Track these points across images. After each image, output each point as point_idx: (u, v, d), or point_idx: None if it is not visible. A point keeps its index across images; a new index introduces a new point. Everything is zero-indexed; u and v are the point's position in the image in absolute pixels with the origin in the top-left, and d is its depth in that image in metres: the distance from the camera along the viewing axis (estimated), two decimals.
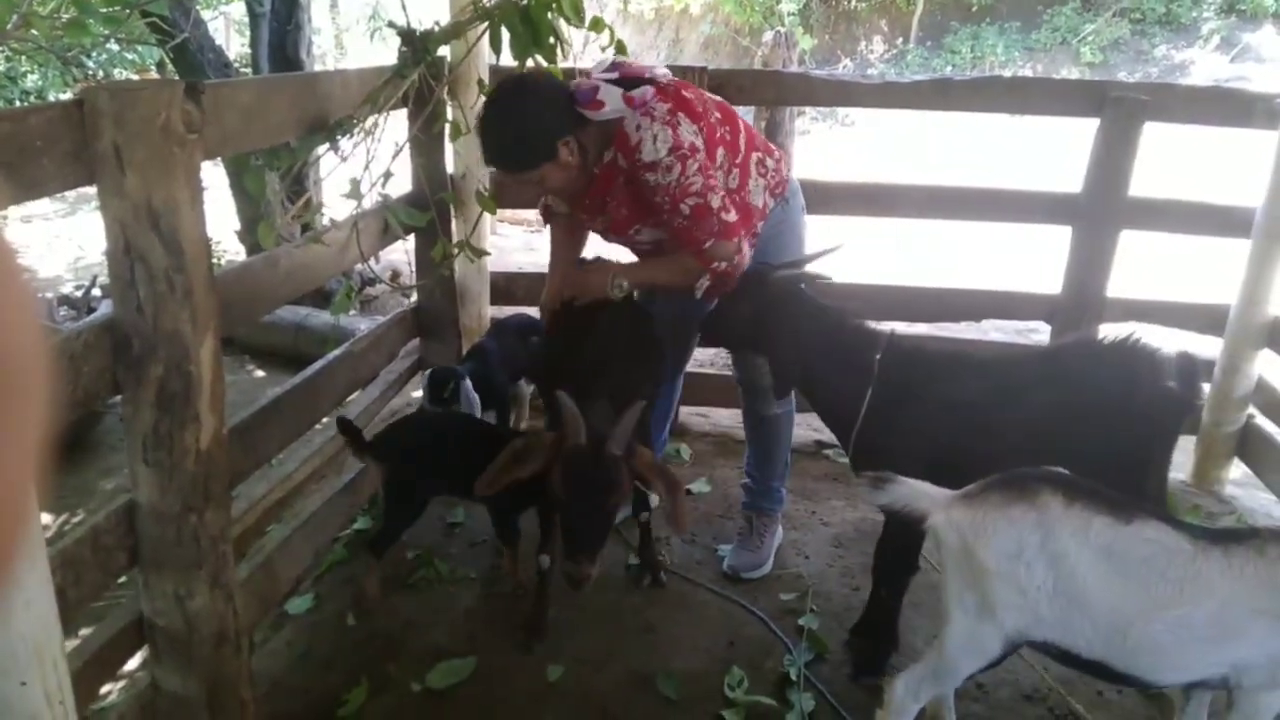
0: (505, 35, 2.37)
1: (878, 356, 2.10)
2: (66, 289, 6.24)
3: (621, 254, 2.50)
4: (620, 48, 2.42)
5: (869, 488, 1.75)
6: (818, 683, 2.21)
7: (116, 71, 8.20)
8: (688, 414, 3.57)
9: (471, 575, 2.60)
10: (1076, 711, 2.14)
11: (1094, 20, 12.58)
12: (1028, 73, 12.15)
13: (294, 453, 2.61)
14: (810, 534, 2.87)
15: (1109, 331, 2.06)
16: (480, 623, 2.42)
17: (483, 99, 2.79)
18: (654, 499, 2.45)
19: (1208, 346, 3.07)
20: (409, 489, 2.42)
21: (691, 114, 2.15)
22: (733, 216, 2.17)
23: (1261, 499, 3.16)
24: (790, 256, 2.35)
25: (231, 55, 8.05)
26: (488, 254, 3.13)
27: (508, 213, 6.81)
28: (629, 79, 2.18)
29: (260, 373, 5.45)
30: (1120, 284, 3.17)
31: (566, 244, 2.58)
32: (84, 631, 1.83)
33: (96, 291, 5.61)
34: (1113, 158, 3.01)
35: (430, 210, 2.63)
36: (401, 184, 2.70)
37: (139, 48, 7.23)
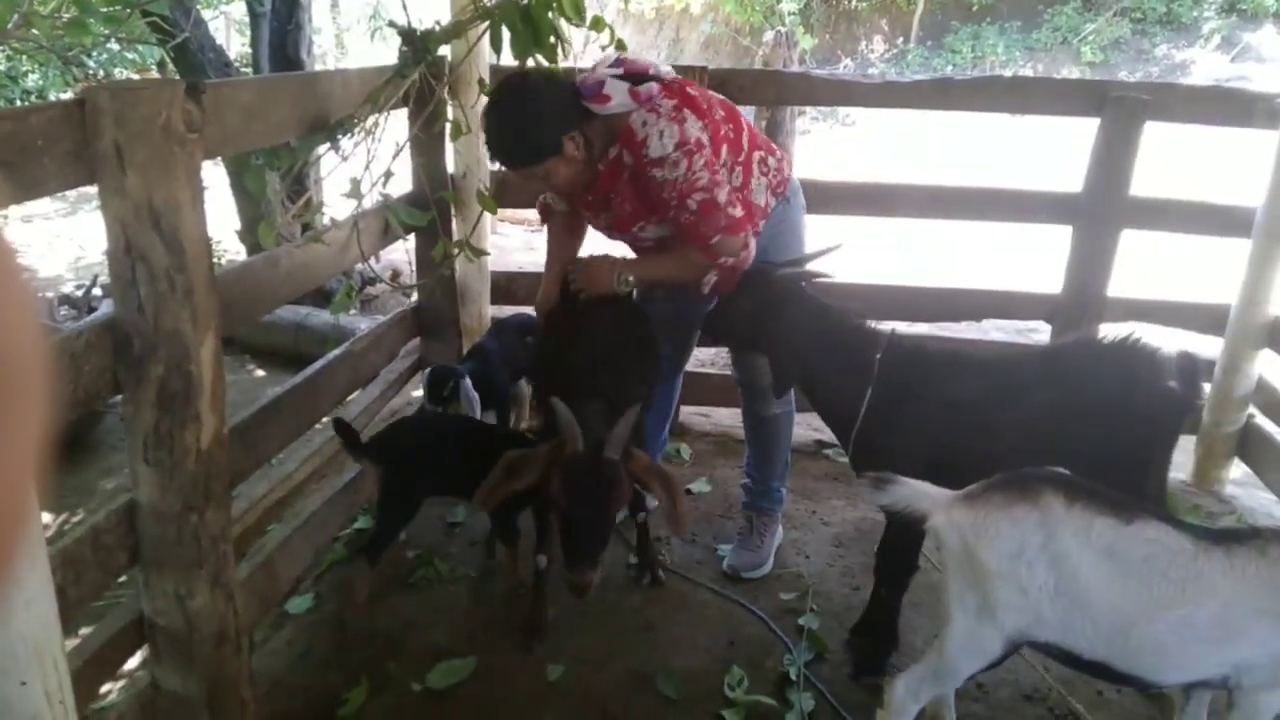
0: (506, 34, 2.37)
1: (878, 356, 2.10)
2: (67, 288, 6.24)
3: (623, 252, 2.49)
4: (620, 47, 2.42)
5: (870, 488, 1.75)
6: (818, 682, 2.21)
7: (117, 71, 8.20)
8: (688, 413, 3.57)
9: (472, 575, 2.60)
10: (1076, 711, 2.14)
11: (1095, 20, 12.58)
12: (1028, 72, 12.15)
13: (294, 452, 2.61)
14: (810, 533, 2.87)
15: (1109, 331, 2.06)
16: (480, 622, 2.42)
17: (484, 98, 2.79)
18: (651, 501, 2.44)
19: (1208, 346, 3.07)
20: (406, 491, 2.40)
21: (697, 111, 2.14)
22: (739, 212, 2.17)
23: (1262, 499, 3.16)
24: (791, 256, 2.35)
25: (232, 55, 8.05)
26: (487, 253, 3.13)
27: (508, 212, 6.82)
28: (633, 75, 2.17)
29: (261, 372, 5.45)
30: (1121, 284, 3.17)
31: (564, 243, 2.58)
32: (84, 631, 1.83)
33: (97, 291, 5.62)
34: (1113, 157, 3.01)
35: (431, 210, 2.63)
36: (402, 183, 2.70)
37: (140, 47, 7.23)
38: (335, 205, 2.51)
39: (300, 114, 2.15)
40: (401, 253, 3.10)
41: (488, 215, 2.84)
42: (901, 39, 13.70)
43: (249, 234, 5.59)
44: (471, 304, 3.32)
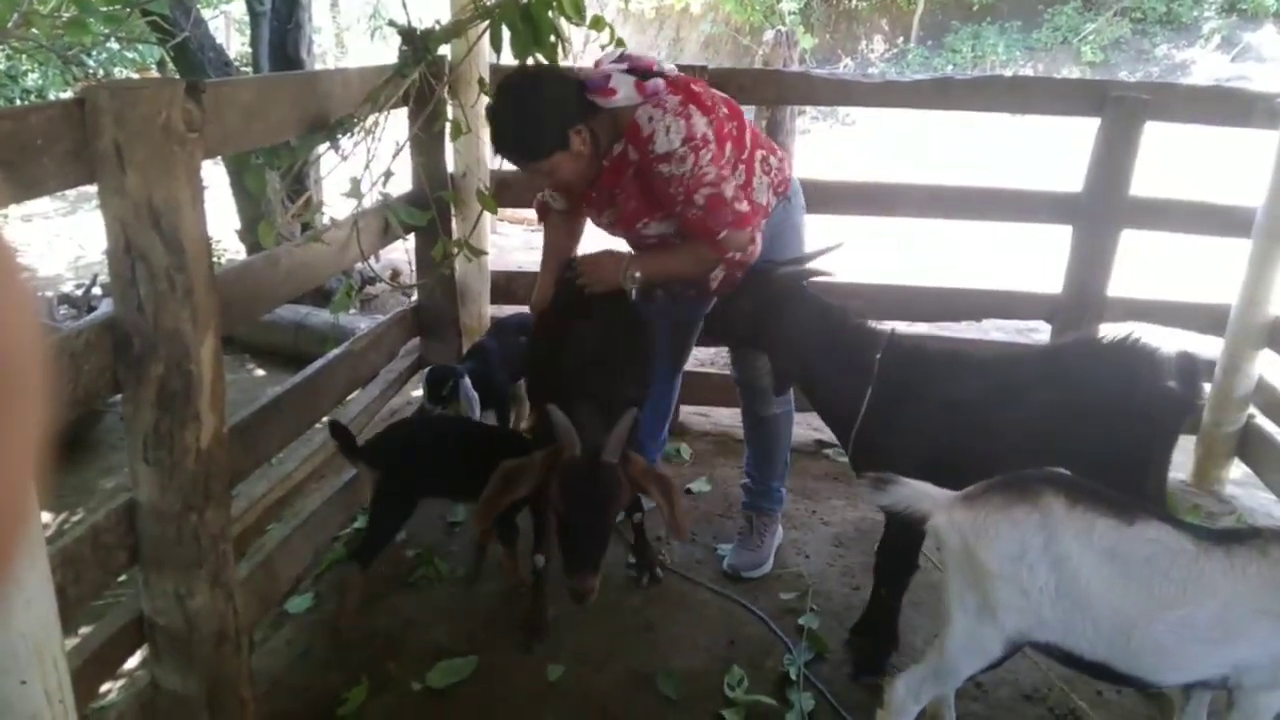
0: (506, 34, 2.37)
1: (878, 356, 2.10)
2: (67, 287, 6.24)
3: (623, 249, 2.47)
4: (620, 46, 2.42)
5: (871, 488, 1.75)
6: (818, 682, 2.21)
7: (117, 70, 8.20)
8: (688, 413, 3.57)
9: (472, 574, 2.60)
10: (1077, 710, 2.14)
11: (1095, 19, 12.58)
12: (1029, 72, 12.15)
13: (294, 451, 2.61)
14: (810, 533, 2.87)
15: (1109, 331, 2.06)
16: (480, 622, 2.41)
17: (484, 98, 2.79)
18: (648, 502, 2.44)
19: (1208, 346, 3.07)
20: (402, 494, 2.37)
21: (702, 107, 2.13)
22: (745, 206, 2.16)
23: (1261, 499, 3.16)
24: (791, 255, 2.35)
25: (232, 54, 8.05)
26: (487, 253, 3.14)
27: (508, 211, 6.81)
28: (638, 71, 2.16)
29: (260, 371, 5.45)
30: (1121, 284, 3.17)
31: (561, 242, 2.55)
32: (84, 630, 1.83)
33: (97, 290, 5.62)
34: (1113, 157, 3.01)
35: (430, 209, 2.63)
36: (402, 183, 2.70)
37: (139, 46, 7.23)
38: (335, 204, 2.51)
39: (300, 113, 2.15)
40: (401, 252, 3.10)
41: (487, 215, 2.84)
42: (902, 38, 13.70)
43: (249, 233, 5.60)
44: (471, 303, 3.32)
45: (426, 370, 2.87)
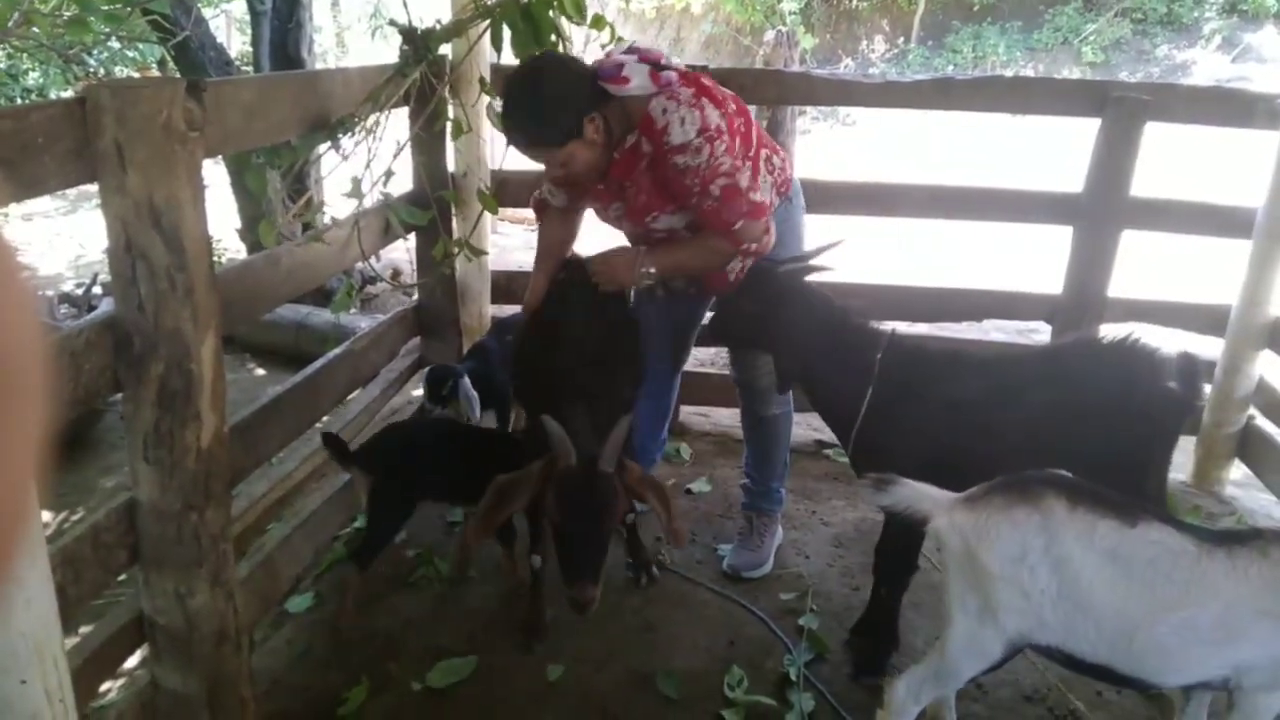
0: (506, 33, 2.37)
1: (878, 356, 2.10)
2: (67, 287, 6.24)
3: (621, 244, 2.45)
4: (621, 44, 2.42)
5: (872, 489, 1.74)
6: (818, 683, 2.21)
7: (118, 69, 8.20)
8: (688, 413, 3.57)
9: (472, 574, 2.60)
10: (1076, 711, 2.14)
11: (1096, 20, 12.58)
12: (1029, 72, 12.15)
13: (294, 451, 2.61)
14: (810, 534, 2.87)
15: (1109, 332, 2.06)
16: (480, 622, 2.41)
17: (484, 97, 2.80)
18: (641, 504, 2.43)
19: (1209, 347, 3.06)
20: (397, 498, 2.37)
21: (713, 100, 2.12)
22: (760, 197, 2.15)
23: (1262, 500, 3.16)
24: (791, 256, 2.35)
25: (233, 53, 8.05)
26: (487, 253, 3.14)
27: (508, 211, 6.81)
28: (649, 63, 2.16)
29: (261, 371, 5.45)
30: (1121, 284, 3.17)
31: (556, 240, 2.51)
32: (84, 629, 1.83)
33: (97, 289, 5.61)
34: (1114, 158, 3.01)
35: (431, 209, 2.63)
36: (403, 182, 2.70)
37: (140, 45, 7.23)
38: (336, 204, 2.51)
39: (301, 112, 2.15)
40: (402, 252, 3.11)
41: (488, 214, 2.84)
42: (902, 39, 13.70)
43: (249, 232, 5.59)
44: (471, 303, 3.32)
45: (426, 370, 2.87)
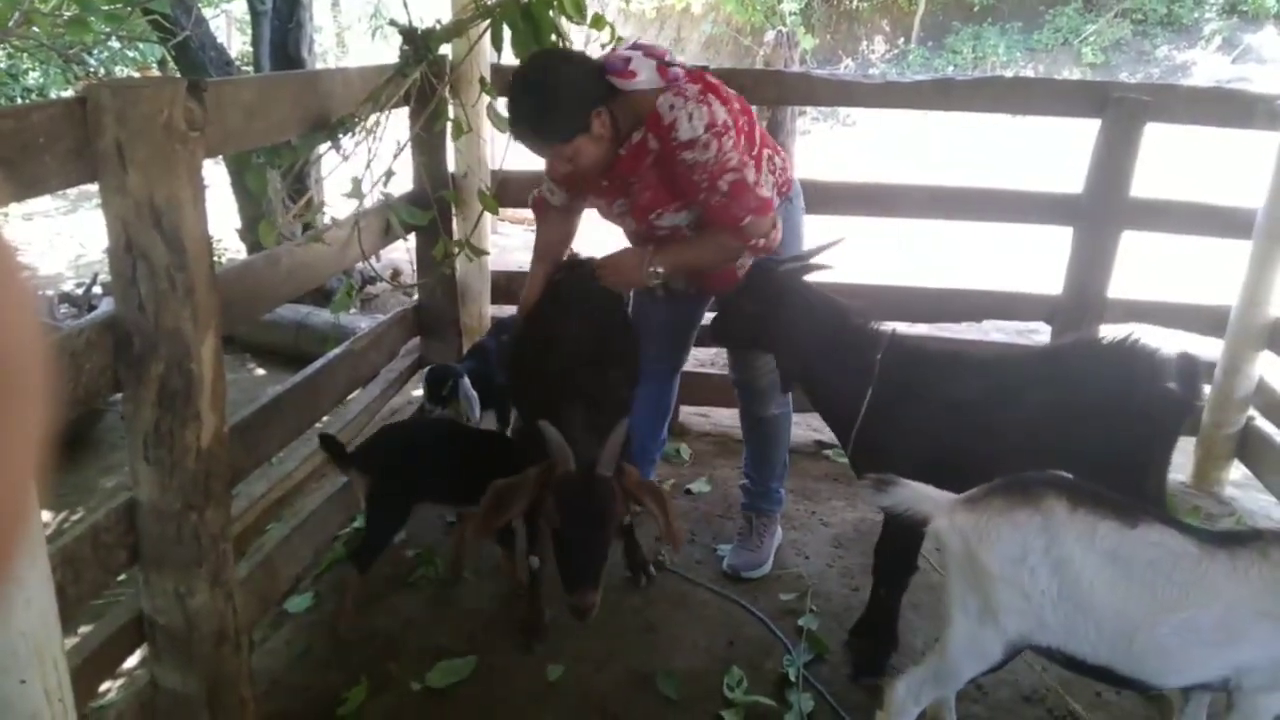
0: (507, 33, 2.37)
1: (879, 356, 2.10)
2: (67, 286, 6.24)
3: (620, 242, 2.45)
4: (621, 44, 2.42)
5: (872, 490, 1.74)
6: (817, 683, 2.21)
7: (118, 69, 8.20)
8: (688, 413, 3.57)
9: (467, 574, 2.60)
10: (1075, 712, 2.14)
11: (1096, 21, 12.58)
12: (1029, 73, 12.15)
13: (294, 451, 2.61)
14: (810, 534, 2.87)
15: (1109, 332, 2.06)
16: (480, 622, 2.41)
17: (484, 97, 2.80)
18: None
19: (1208, 348, 3.06)
20: (396, 499, 2.36)
21: (720, 96, 2.12)
22: (767, 192, 2.15)
23: (1261, 500, 3.16)
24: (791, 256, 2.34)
25: (233, 53, 8.05)
26: (488, 253, 3.14)
27: (508, 211, 6.80)
28: (653, 59, 2.15)
29: (261, 371, 5.45)
30: (1121, 285, 3.17)
31: (554, 239, 2.50)
32: (84, 629, 1.83)
33: (97, 289, 5.61)
34: (1114, 158, 3.01)
35: (432, 209, 2.63)
36: (403, 182, 2.70)
37: (141, 45, 7.23)
38: (336, 204, 2.51)
39: (301, 112, 2.15)
40: (402, 252, 3.10)
41: (488, 215, 2.84)
42: (902, 39, 13.70)
43: (250, 232, 5.59)
44: (472, 303, 3.32)
45: (426, 370, 2.87)
